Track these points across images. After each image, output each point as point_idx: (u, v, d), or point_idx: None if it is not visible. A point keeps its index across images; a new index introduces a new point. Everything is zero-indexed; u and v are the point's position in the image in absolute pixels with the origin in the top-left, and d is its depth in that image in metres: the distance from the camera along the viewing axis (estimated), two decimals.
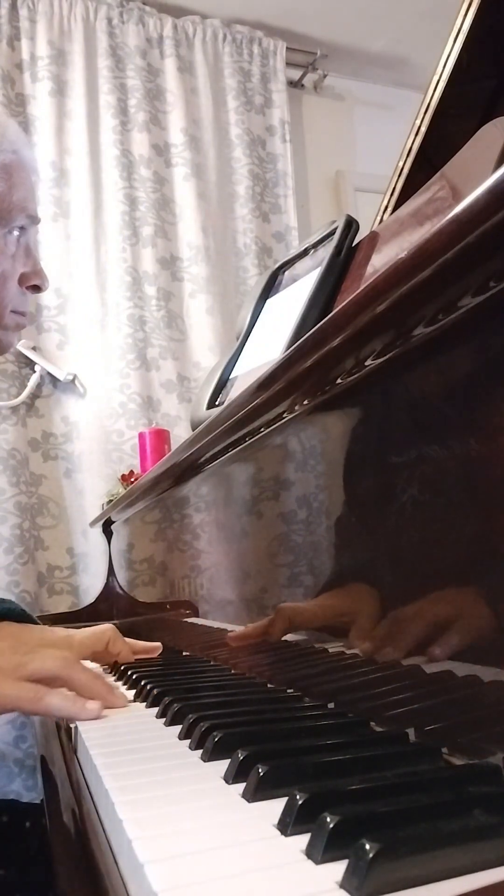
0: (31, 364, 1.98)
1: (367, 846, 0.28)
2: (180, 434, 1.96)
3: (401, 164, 1.06)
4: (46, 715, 0.66)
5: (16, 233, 0.84)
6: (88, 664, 0.82)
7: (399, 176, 1.07)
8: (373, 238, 0.79)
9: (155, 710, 0.64)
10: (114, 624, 0.94)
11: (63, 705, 0.62)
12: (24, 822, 0.88)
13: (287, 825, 0.34)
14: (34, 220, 0.87)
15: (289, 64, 2.49)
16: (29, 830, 0.87)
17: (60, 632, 0.83)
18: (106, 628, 0.87)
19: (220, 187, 2.30)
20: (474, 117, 1.01)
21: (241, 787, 0.40)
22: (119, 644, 0.87)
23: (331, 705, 0.59)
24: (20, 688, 0.62)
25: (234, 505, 0.84)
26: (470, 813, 0.32)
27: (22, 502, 1.87)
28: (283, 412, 0.64)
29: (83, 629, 0.86)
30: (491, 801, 0.33)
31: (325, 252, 0.84)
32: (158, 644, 0.96)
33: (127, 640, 0.90)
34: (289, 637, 0.69)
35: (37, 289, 0.90)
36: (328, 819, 0.31)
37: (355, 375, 0.53)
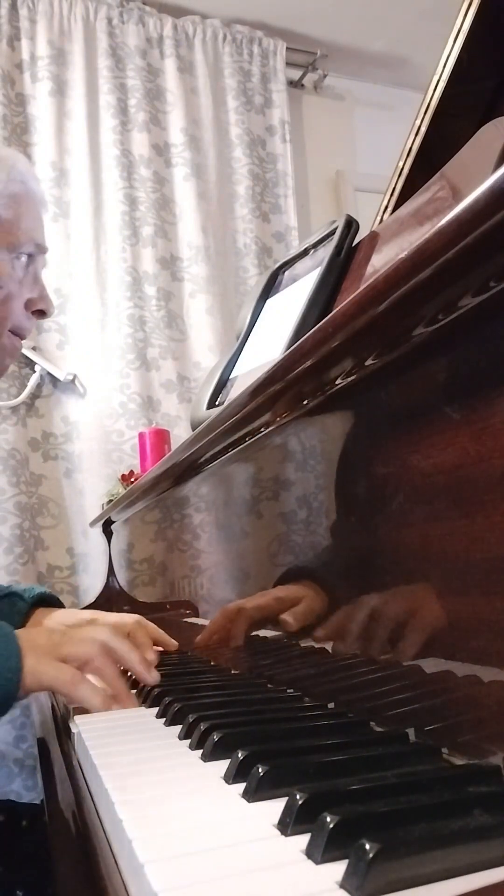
0: (31, 364, 1.98)
1: (367, 846, 0.28)
2: (180, 434, 1.96)
3: (401, 164, 1.06)
4: (76, 701, 0.67)
5: (24, 259, 0.88)
6: None
7: (399, 176, 1.07)
8: (373, 238, 0.79)
9: (155, 710, 0.64)
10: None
11: (93, 701, 0.65)
12: (21, 822, 0.88)
13: (287, 825, 0.34)
14: (42, 248, 0.91)
15: (289, 64, 2.48)
16: (26, 829, 0.87)
17: (87, 614, 0.88)
18: (133, 618, 0.87)
19: (220, 187, 2.30)
20: (474, 117, 1.01)
21: (241, 787, 0.40)
22: (140, 636, 0.86)
23: (331, 705, 0.59)
24: (59, 669, 0.65)
25: (234, 505, 0.84)
26: (470, 813, 0.32)
27: (22, 502, 1.87)
28: (283, 412, 0.64)
29: (111, 614, 0.89)
30: (491, 801, 0.33)
31: (325, 252, 0.84)
32: (176, 643, 0.94)
33: (150, 628, 0.88)
34: (288, 637, 0.69)
35: (42, 314, 0.95)
36: (328, 819, 0.31)
37: (355, 376, 0.53)
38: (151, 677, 0.71)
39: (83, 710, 0.68)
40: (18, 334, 0.92)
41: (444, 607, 0.45)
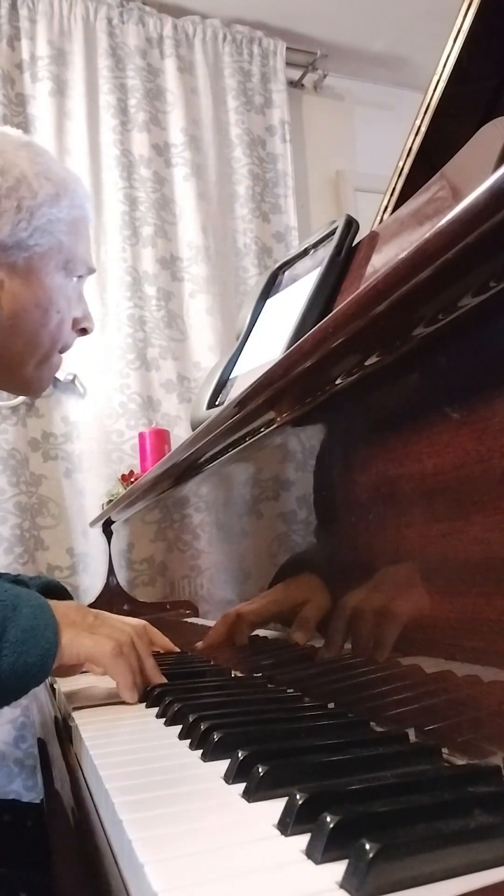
0: None
1: (367, 846, 0.28)
2: (180, 434, 1.96)
3: (401, 164, 1.06)
4: (110, 673, 0.68)
5: (75, 280, 0.90)
6: None
7: (399, 176, 1.07)
8: (373, 238, 0.79)
9: (155, 710, 0.64)
10: None
11: (127, 679, 0.66)
12: (26, 822, 0.88)
13: (287, 825, 0.34)
14: (91, 270, 0.93)
15: (289, 64, 2.49)
16: (30, 830, 0.87)
17: (92, 612, 0.86)
18: (139, 623, 0.85)
19: (220, 187, 2.30)
20: (474, 117, 1.01)
21: (241, 787, 0.40)
22: (157, 638, 0.85)
23: (331, 705, 0.59)
24: (98, 640, 0.65)
25: (234, 505, 0.84)
26: (470, 813, 0.32)
27: (22, 502, 1.87)
28: (283, 412, 0.64)
29: (119, 616, 0.87)
30: (491, 801, 0.33)
31: (325, 252, 0.84)
32: (178, 650, 0.93)
33: (156, 635, 0.87)
34: (288, 637, 0.69)
35: (84, 331, 0.96)
36: (328, 819, 0.31)
37: (355, 376, 0.53)
38: (159, 679, 0.72)
39: (83, 710, 0.68)
40: (62, 351, 0.94)
41: (444, 607, 0.45)
